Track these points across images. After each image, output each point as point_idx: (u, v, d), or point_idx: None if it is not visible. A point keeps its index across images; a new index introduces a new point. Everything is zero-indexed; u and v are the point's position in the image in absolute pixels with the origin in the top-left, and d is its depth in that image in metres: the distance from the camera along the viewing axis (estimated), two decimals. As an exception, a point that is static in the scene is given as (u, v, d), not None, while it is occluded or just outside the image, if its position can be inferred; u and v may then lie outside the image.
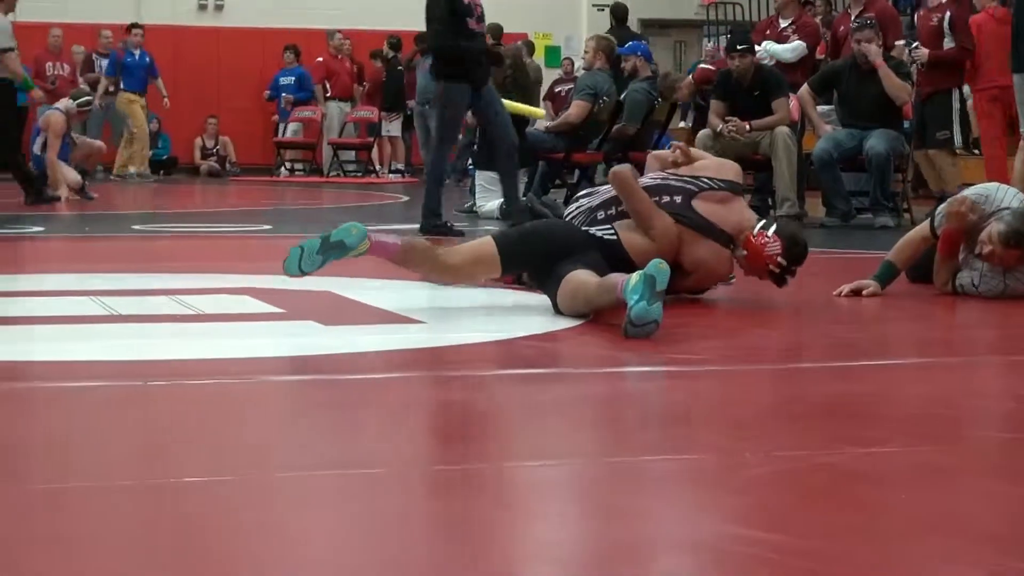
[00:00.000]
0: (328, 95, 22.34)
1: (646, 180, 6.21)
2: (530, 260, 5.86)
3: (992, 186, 6.42)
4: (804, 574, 2.47)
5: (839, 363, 4.91)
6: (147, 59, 20.86)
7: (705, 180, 6.12)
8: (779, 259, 5.89)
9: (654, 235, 5.92)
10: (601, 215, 6.05)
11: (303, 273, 5.68)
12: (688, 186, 6.09)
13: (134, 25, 20.91)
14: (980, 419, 4.06)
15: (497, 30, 19.88)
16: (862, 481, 3.16)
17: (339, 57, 22.40)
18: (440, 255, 5.94)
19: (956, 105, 11.72)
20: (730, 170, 6.28)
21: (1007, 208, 6.08)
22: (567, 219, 6.22)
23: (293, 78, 22.30)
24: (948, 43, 11.64)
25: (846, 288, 6.31)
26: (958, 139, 11.77)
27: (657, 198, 6.03)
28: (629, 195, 5.97)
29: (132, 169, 20.34)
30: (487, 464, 3.34)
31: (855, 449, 3.46)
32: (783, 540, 2.65)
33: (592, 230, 5.98)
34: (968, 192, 6.38)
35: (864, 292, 6.26)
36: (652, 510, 2.95)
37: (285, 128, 22.48)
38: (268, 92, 22.54)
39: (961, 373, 4.80)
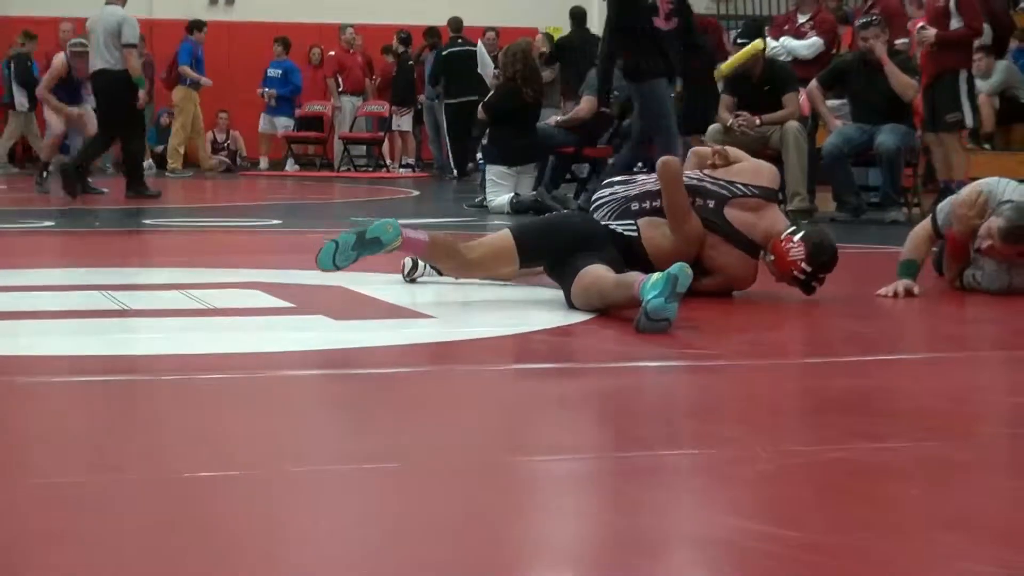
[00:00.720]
0: (340, 89, 22.32)
1: (621, 190, 6.19)
2: (547, 253, 5.85)
3: (992, 180, 6.33)
4: (816, 569, 2.47)
5: (851, 358, 4.91)
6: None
7: (740, 186, 6.10)
8: (803, 264, 5.87)
9: (682, 234, 5.92)
10: (635, 206, 6.06)
11: (336, 268, 5.74)
12: (722, 191, 6.08)
13: (199, 22, 21.12)
14: (992, 415, 4.05)
15: (457, 24, 19.98)
16: (874, 476, 3.15)
17: (351, 51, 22.37)
18: (461, 250, 5.97)
19: (964, 87, 11.67)
20: (766, 175, 6.23)
21: (1008, 201, 6.04)
22: (596, 202, 6.21)
23: (280, 71, 22.24)
24: (955, 23, 11.65)
25: (900, 289, 6.15)
26: (969, 120, 11.70)
27: (691, 200, 6.03)
28: (674, 189, 5.97)
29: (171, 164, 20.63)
30: (501, 458, 3.34)
31: (867, 444, 3.46)
32: (795, 535, 2.65)
33: (614, 224, 5.98)
34: (980, 187, 6.28)
35: (915, 291, 6.14)
36: (665, 504, 2.95)
37: (271, 122, 22.36)
38: (261, 88, 22.40)
39: (972, 368, 4.79)
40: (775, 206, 6.21)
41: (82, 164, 14.35)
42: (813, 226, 6.17)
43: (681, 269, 5.09)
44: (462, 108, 18.40)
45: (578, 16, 18.00)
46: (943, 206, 6.36)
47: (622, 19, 10.63)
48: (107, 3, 14.11)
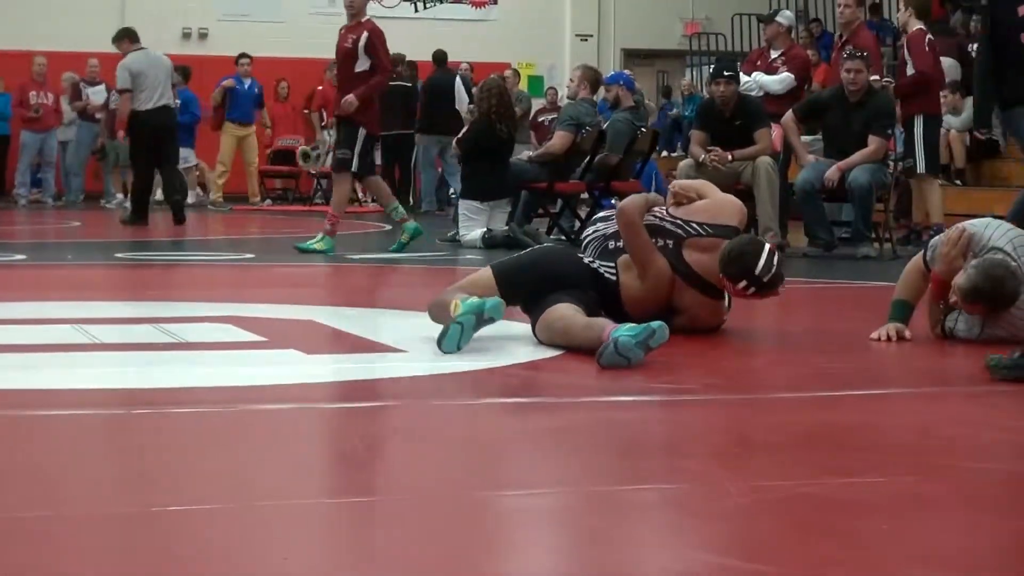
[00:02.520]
0: (323, 124, 22.37)
1: (602, 227, 6.18)
2: (527, 289, 5.83)
3: (981, 222, 6.13)
4: (786, 604, 2.47)
5: (821, 392, 4.92)
6: (256, 89, 21.04)
7: (695, 226, 6.04)
8: (736, 286, 5.83)
9: (647, 279, 5.89)
10: (612, 245, 6.04)
11: (459, 350, 5.44)
12: (678, 231, 6.03)
13: (243, 55, 20.98)
14: (963, 450, 4.06)
15: (441, 57, 20.00)
16: (844, 511, 3.16)
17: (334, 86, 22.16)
18: (443, 295, 5.86)
19: (920, 131, 11.74)
20: (727, 212, 6.15)
21: (994, 248, 5.89)
22: (584, 240, 6.24)
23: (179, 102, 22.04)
24: (910, 69, 11.79)
25: (892, 333, 6.00)
26: (921, 166, 11.79)
27: (653, 240, 6.02)
28: (631, 235, 5.93)
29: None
30: (473, 493, 3.33)
31: (837, 479, 3.47)
32: (764, 570, 2.65)
33: (598, 264, 5.96)
34: (965, 226, 6.03)
35: (906, 335, 5.99)
36: (634, 539, 2.95)
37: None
38: None
39: (944, 403, 4.81)
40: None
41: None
42: (725, 243, 5.99)
43: (661, 327, 5.11)
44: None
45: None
46: (935, 240, 6.21)
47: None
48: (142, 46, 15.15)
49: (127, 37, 15.37)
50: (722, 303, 6.06)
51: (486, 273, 5.91)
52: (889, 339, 5.99)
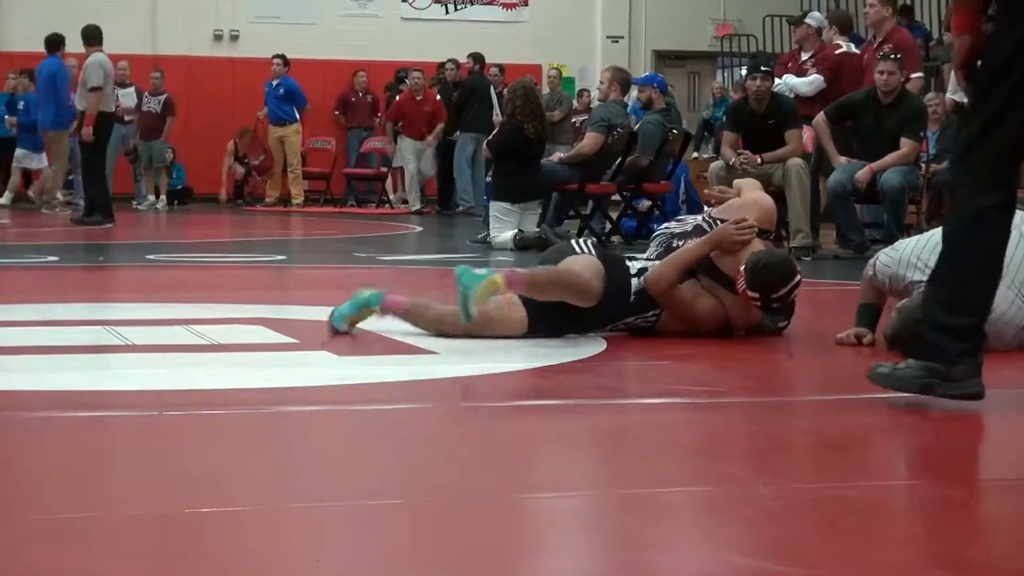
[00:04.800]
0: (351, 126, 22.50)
1: (673, 226, 6.26)
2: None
3: (902, 243, 5.98)
4: (818, 607, 2.47)
5: (853, 395, 4.90)
6: (281, 90, 21.03)
7: (719, 223, 6.11)
8: (749, 293, 5.79)
9: (702, 325, 5.99)
10: (676, 244, 6.15)
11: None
12: (707, 230, 6.12)
13: (275, 56, 21.11)
14: (995, 455, 4.05)
15: (479, 57, 20.02)
16: (878, 514, 3.15)
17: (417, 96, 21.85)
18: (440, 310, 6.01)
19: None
20: (755, 212, 6.16)
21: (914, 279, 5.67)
22: (654, 235, 6.48)
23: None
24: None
25: (852, 335, 5.93)
26: None
27: (682, 242, 6.11)
28: (667, 303, 5.98)
29: (296, 200, 20.83)
30: (504, 495, 3.34)
31: (870, 482, 3.46)
32: (795, 572, 2.65)
33: (635, 318, 6.02)
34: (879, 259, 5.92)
35: (863, 340, 5.92)
36: (666, 542, 2.95)
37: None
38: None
39: (977, 407, 4.78)
40: (757, 242, 6.05)
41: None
42: (764, 251, 5.94)
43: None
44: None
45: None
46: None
47: None
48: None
49: (98, 37, 15.55)
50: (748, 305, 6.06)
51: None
52: (841, 342, 5.91)
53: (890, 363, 4.46)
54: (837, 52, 12.65)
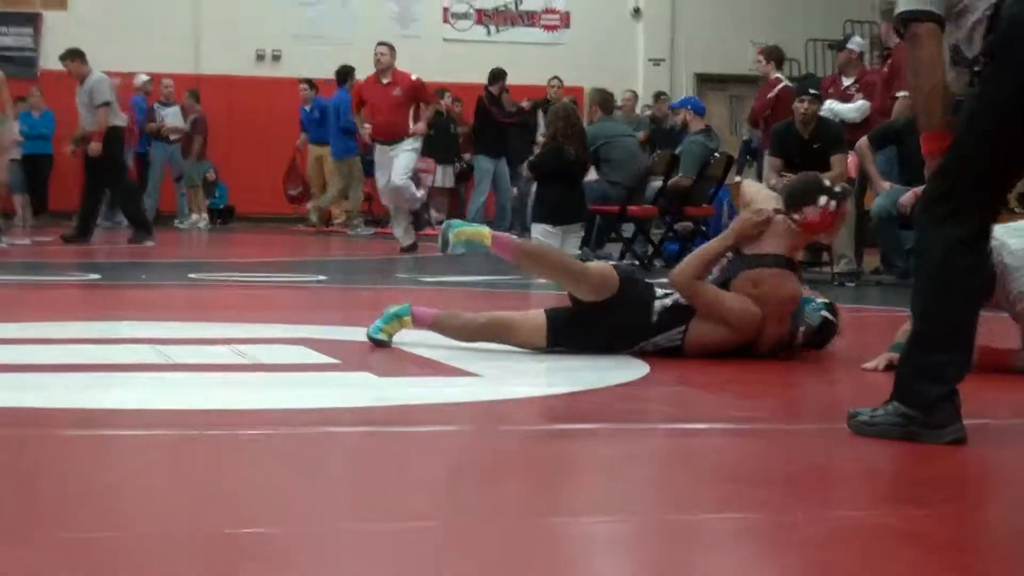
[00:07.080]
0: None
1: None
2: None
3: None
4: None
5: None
6: (316, 112, 20.89)
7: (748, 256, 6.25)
8: (792, 216, 6.11)
9: (733, 322, 6.05)
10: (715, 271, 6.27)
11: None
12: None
13: (302, 80, 21.18)
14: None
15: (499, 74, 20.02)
16: (918, 542, 3.13)
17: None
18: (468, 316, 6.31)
19: None
20: (768, 203, 6.34)
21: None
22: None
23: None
24: None
25: (881, 363, 5.88)
26: None
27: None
28: (692, 296, 6.10)
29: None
30: (543, 519, 3.32)
31: (916, 511, 3.43)
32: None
33: (662, 340, 6.10)
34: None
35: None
36: (707, 568, 2.94)
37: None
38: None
39: (1015, 435, 4.75)
40: (778, 219, 6.22)
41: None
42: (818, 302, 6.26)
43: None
44: None
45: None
46: None
47: None
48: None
49: (82, 58, 15.70)
50: (788, 271, 6.16)
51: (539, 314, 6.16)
52: (875, 368, 5.88)
53: (868, 408, 4.42)
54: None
